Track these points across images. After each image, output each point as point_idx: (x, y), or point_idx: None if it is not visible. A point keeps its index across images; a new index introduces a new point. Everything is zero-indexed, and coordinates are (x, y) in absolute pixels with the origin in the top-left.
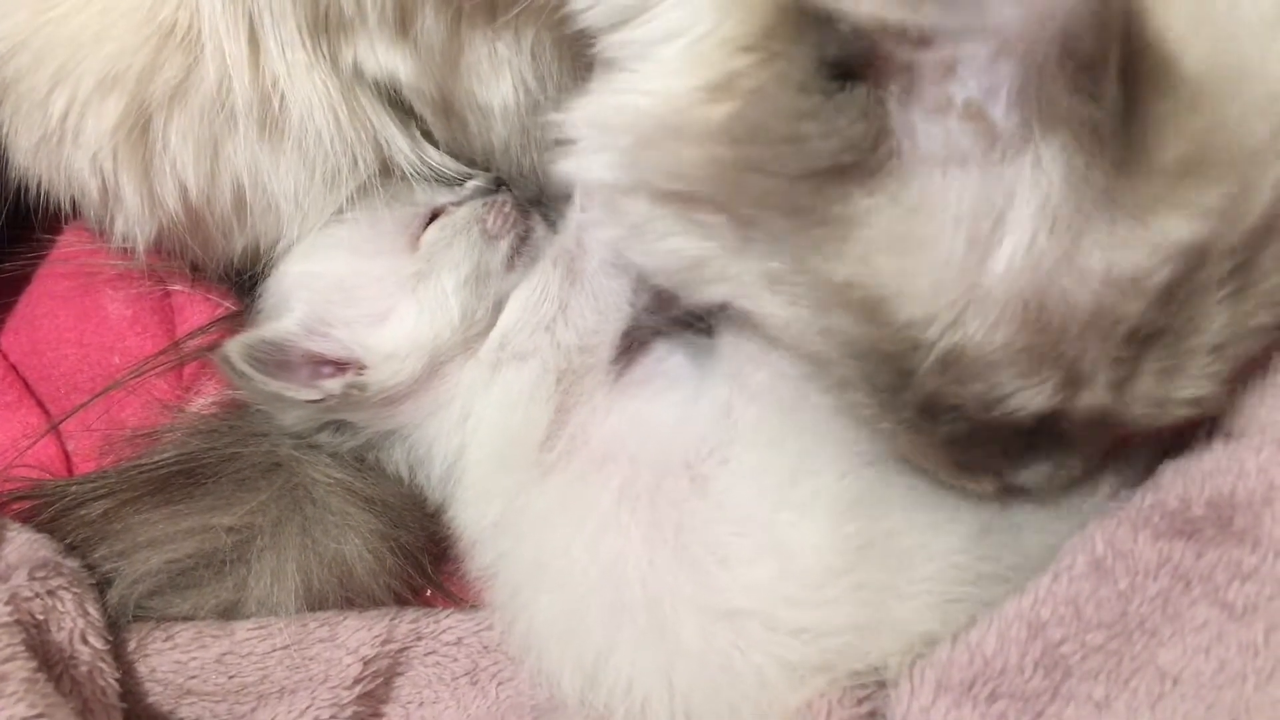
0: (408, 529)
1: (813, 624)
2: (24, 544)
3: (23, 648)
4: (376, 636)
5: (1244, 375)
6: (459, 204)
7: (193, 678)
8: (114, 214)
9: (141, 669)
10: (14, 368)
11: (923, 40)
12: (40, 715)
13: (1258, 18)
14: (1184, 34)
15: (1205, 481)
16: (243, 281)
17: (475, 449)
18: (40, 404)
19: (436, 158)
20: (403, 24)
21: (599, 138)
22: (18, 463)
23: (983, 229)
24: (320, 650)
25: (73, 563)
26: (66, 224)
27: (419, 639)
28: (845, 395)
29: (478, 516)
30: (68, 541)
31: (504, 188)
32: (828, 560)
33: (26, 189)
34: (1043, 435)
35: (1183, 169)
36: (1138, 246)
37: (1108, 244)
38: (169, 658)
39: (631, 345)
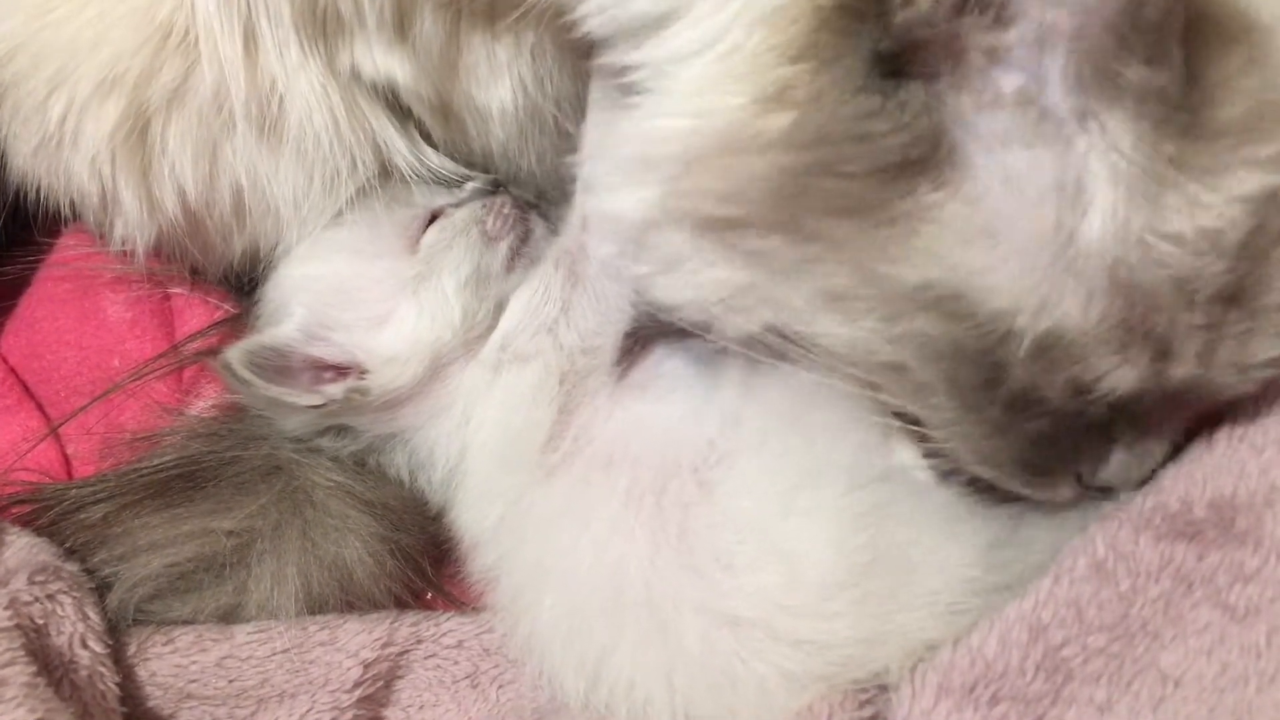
0: (408, 532)
1: (816, 635)
2: (23, 548)
3: (22, 652)
4: (377, 640)
5: None
6: (458, 206)
7: (193, 681)
8: (113, 217)
9: (141, 673)
10: (13, 371)
11: (978, 22)
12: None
13: None
14: None
15: (1207, 483)
16: (242, 284)
17: (477, 451)
18: (40, 407)
19: (435, 159)
20: (401, 27)
21: (635, 173)
22: (17, 466)
23: (1062, 206)
24: (320, 654)
25: (72, 567)
26: (66, 227)
27: (419, 642)
28: (923, 402)
29: (479, 519)
30: (67, 545)
31: (503, 189)
32: (834, 572)
33: (26, 192)
34: (1122, 424)
35: (1245, 126)
36: (1212, 205)
37: (1184, 206)
38: (169, 661)
39: (634, 347)
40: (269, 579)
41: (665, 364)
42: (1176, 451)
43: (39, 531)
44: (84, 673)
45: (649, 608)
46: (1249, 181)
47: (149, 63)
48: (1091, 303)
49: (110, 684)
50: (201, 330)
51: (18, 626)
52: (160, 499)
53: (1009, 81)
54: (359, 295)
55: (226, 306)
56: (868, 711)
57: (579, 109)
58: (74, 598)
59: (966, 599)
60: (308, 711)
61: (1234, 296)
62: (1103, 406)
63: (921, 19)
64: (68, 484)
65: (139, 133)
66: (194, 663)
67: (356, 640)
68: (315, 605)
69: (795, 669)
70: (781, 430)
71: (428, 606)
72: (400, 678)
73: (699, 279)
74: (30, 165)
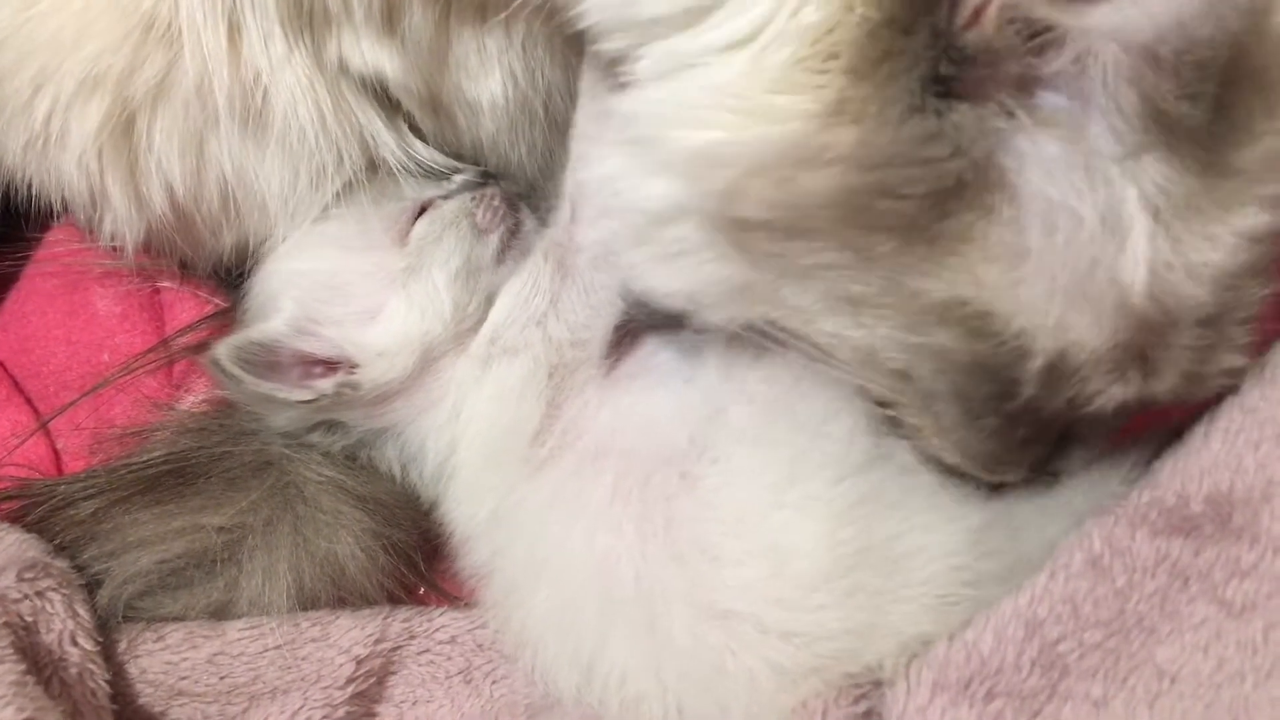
0: (400, 527)
1: (805, 628)
2: (12, 544)
3: (11, 650)
4: (369, 635)
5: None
6: (447, 198)
7: (184, 679)
8: (102, 214)
9: (132, 670)
10: (2, 365)
11: (1034, 49)
12: (30, 719)
13: None
14: None
15: (1203, 478)
16: (232, 278)
17: (467, 445)
18: (29, 402)
19: (424, 152)
20: (389, 19)
21: (660, 164)
22: (6, 461)
23: (1099, 236)
24: (313, 650)
25: (62, 563)
26: (57, 221)
27: (412, 638)
28: (922, 407)
29: (470, 513)
30: (57, 542)
31: (492, 181)
32: (822, 565)
33: (17, 189)
34: (1088, 427)
35: (1260, 168)
36: (1220, 240)
37: (1196, 241)
38: (160, 659)
39: (623, 339)
40: (260, 575)
41: (654, 357)
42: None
43: (28, 527)
44: (74, 670)
45: (639, 601)
46: (1253, 219)
47: (131, 58)
48: (1103, 327)
49: (100, 681)
50: (192, 324)
51: (6, 624)
52: (150, 494)
53: (1059, 110)
54: (348, 289)
55: (217, 300)
56: (862, 707)
57: (570, 100)
58: (63, 594)
59: (957, 589)
60: (300, 708)
61: (1210, 318)
62: (1096, 414)
63: (986, 44)
64: (57, 479)
65: (124, 129)
66: (185, 660)
67: (349, 636)
68: (307, 601)
69: (785, 662)
70: (767, 423)
71: (420, 602)
72: (393, 674)
73: (701, 271)
74: (19, 162)
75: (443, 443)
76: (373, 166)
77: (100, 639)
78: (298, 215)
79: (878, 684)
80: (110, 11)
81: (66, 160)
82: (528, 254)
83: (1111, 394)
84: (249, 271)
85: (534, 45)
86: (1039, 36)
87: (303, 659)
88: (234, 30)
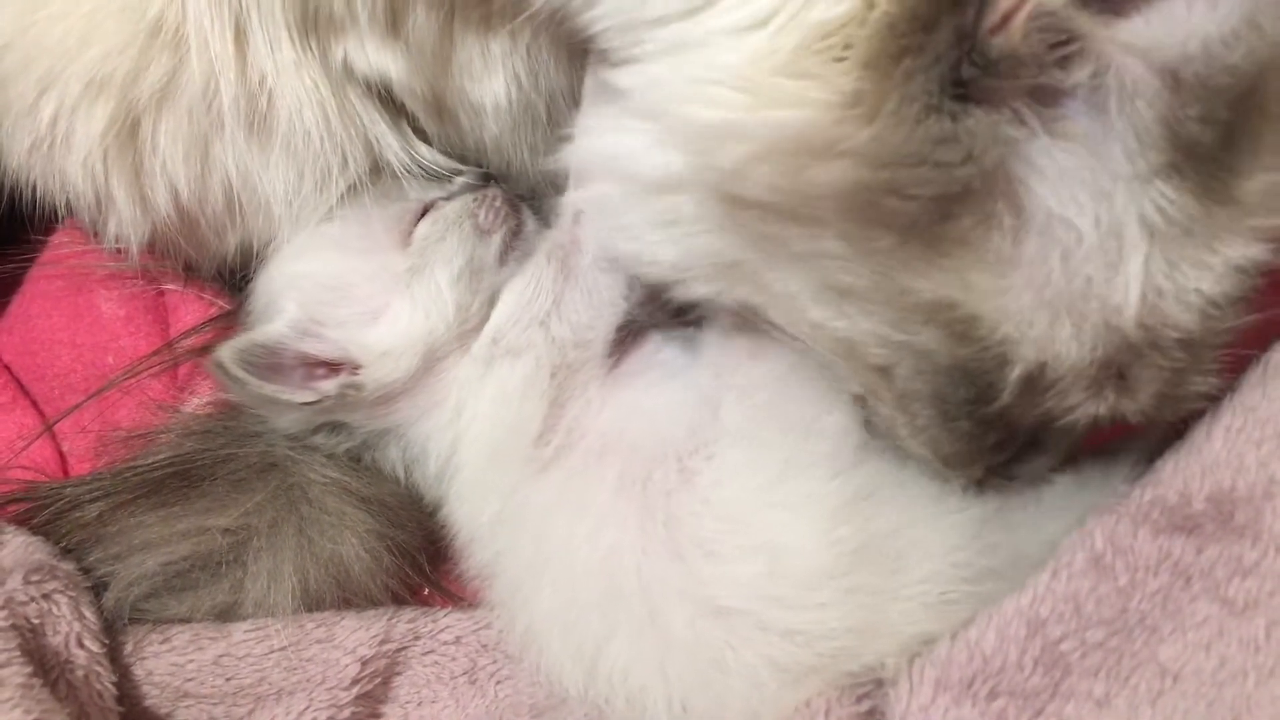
0: (404, 528)
1: (805, 626)
2: (19, 547)
3: (18, 652)
4: (374, 637)
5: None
6: (449, 199)
7: (190, 680)
8: (107, 216)
9: (138, 672)
10: (8, 368)
11: (1057, 60)
12: None
13: None
14: None
15: (1205, 476)
16: (237, 280)
17: (469, 445)
18: (35, 404)
19: (427, 155)
20: (394, 23)
21: (668, 134)
22: (12, 464)
23: (1097, 254)
24: (318, 651)
25: (68, 566)
26: (61, 224)
27: (417, 638)
28: (898, 405)
29: (474, 513)
30: (63, 544)
31: (493, 182)
32: (820, 563)
33: (22, 191)
34: (1055, 439)
35: (1259, 200)
36: (1212, 269)
37: (1189, 267)
38: (166, 660)
39: (625, 339)
40: (265, 577)
41: (656, 355)
42: (1174, 445)
43: (34, 530)
44: (80, 672)
45: (642, 596)
46: (1244, 250)
47: (136, 61)
48: (1085, 343)
49: (107, 683)
50: (196, 326)
51: (13, 626)
52: (156, 497)
53: (1074, 123)
54: (352, 290)
55: (221, 302)
56: (865, 706)
57: (573, 103)
58: (70, 597)
59: (957, 586)
60: (305, 709)
61: (1190, 342)
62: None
63: (1012, 49)
64: (63, 482)
65: (129, 133)
66: (191, 661)
67: (354, 637)
68: (312, 603)
69: (786, 660)
70: (760, 421)
71: (425, 603)
72: (398, 674)
73: (691, 243)
74: (25, 165)
75: (445, 443)
76: (376, 169)
77: (106, 641)
78: (302, 217)
79: (880, 683)
80: (116, 15)
81: (72, 163)
82: (529, 255)
83: (1085, 409)
84: (253, 273)
85: (538, 49)
86: (1064, 46)
87: (308, 660)
88: (240, 34)
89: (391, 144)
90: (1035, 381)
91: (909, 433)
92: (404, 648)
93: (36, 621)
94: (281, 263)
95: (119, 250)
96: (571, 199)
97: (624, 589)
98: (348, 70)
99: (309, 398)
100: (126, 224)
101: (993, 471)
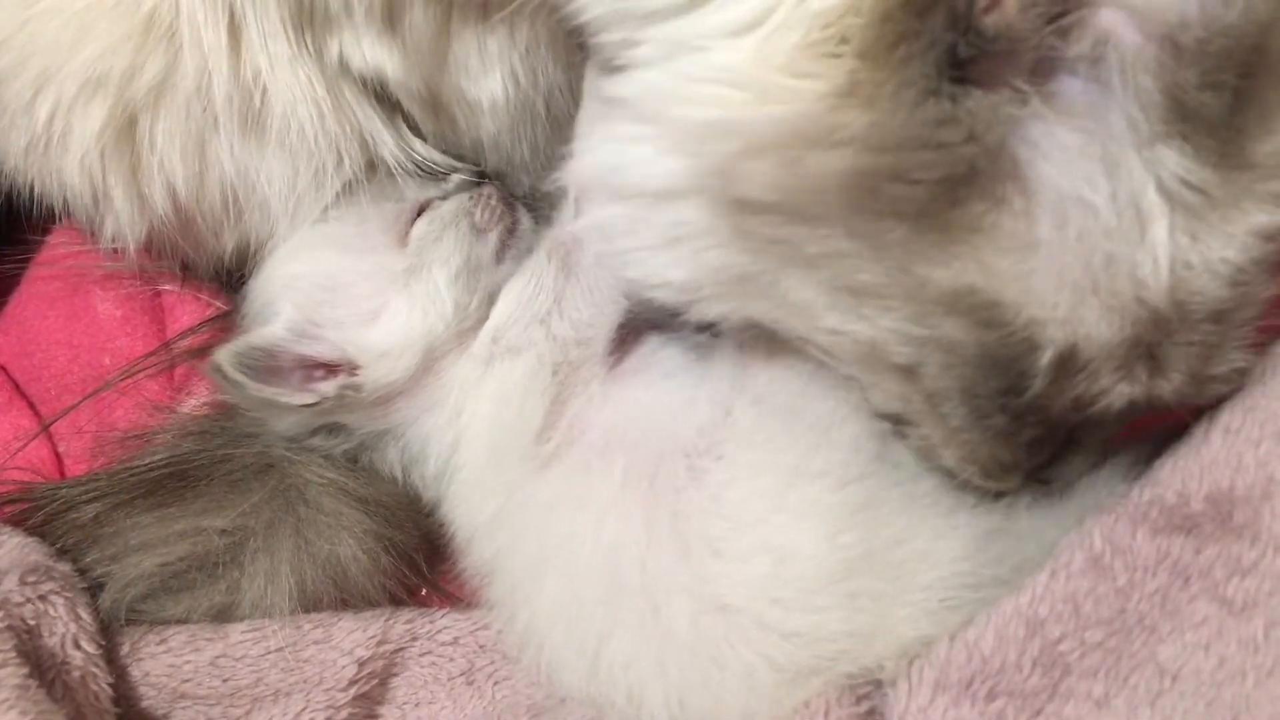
0: (402, 529)
1: (806, 628)
2: (15, 548)
3: (14, 654)
4: (372, 637)
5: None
6: (445, 198)
7: (186, 681)
8: (104, 215)
9: (135, 673)
10: (4, 369)
11: (1055, 34)
12: None
13: None
14: None
15: (1204, 476)
16: (234, 280)
17: (469, 444)
18: (31, 405)
19: (423, 152)
20: (390, 19)
21: (666, 138)
22: (9, 465)
23: (1115, 229)
24: (315, 652)
25: (64, 567)
26: (59, 224)
27: (414, 639)
28: (928, 407)
29: (474, 512)
30: (59, 545)
31: (488, 181)
32: (823, 567)
33: (19, 191)
34: (1089, 432)
35: (1276, 163)
36: (1234, 236)
37: (1211, 236)
38: (162, 661)
39: (626, 336)
40: (262, 577)
41: (657, 353)
42: (1173, 445)
43: (30, 531)
44: (77, 674)
45: (645, 590)
46: (1265, 216)
47: (132, 58)
48: (1114, 321)
49: (103, 685)
50: (193, 327)
51: (9, 628)
52: (152, 498)
53: (1076, 97)
54: (349, 291)
55: (218, 303)
56: (864, 707)
57: (572, 100)
58: (66, 598)
59: (959, 593)
60: (302, 710)
61: (1220, 314)
62: (1101, 414)
63: (1007, 26)
64: (59, 483)
65: (126, 131)
66: (188, 662)
67: (351, 638)
68: (309, 603)
69: (785, 661)
70: (773, 425)
71: (422, 603)
72: (396, 675)
73: (699, 260)
74: (21, 165)
75: (445, 443)
76: (372, 167)
77: (103, 642)
78: (299, 215)
79: (879, 683)
80: (110, 12)
81: (68, 162)
82: (526, 253)
83: (1119, 392)
84: (250, 274)
85: (536, 45)
86: (1060, 19)
87: (305, 661)
88: (234, 29)
89: (386, 141)
90: (1066, 364)
91: (942, 440)
92: (401, 649)
93: (33, 622)
94: (277, 264)
95: (116, 250)
96: (575, 225)
97: (627, 583)
98: (343, 66)
99: (308, 400)
100: (124, 223)
101: (1032, 478)
